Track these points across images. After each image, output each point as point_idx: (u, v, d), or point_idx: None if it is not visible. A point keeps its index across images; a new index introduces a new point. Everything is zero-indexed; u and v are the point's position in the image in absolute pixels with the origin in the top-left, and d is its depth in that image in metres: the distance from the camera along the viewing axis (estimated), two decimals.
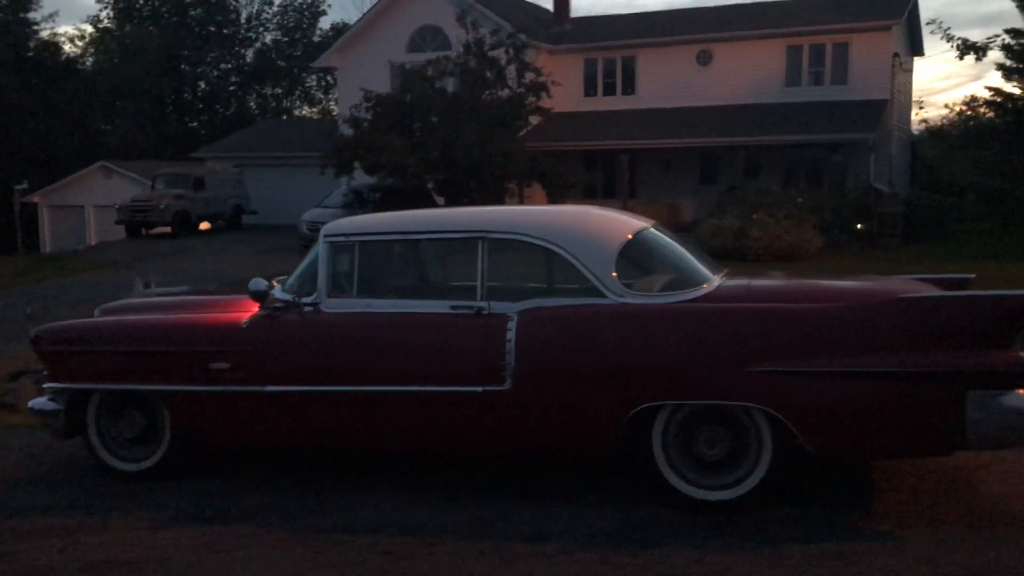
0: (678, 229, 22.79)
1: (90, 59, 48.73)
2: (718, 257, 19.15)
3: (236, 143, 34.20)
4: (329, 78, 45.38)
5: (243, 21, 52.76)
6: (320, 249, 5.37)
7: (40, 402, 5.70)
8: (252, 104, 55.34)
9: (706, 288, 4.97)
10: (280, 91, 55.31)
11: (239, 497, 5.22)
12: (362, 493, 5.19)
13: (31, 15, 43.53)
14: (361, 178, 24.37)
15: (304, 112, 54.74)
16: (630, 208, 25.90)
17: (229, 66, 52.57)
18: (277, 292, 5.40)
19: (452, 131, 21.44)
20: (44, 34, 44.21)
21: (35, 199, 35.16)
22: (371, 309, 5.19)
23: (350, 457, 5.66)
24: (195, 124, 50.49)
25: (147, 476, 5.55)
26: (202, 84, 51.50)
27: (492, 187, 22.71)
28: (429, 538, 4.53)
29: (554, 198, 25.30)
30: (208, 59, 50.87)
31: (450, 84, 23.65)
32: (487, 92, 22.67)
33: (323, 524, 4.76)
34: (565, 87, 26.62)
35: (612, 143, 25.68)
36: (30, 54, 41.12)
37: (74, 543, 4.62)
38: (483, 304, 4.99)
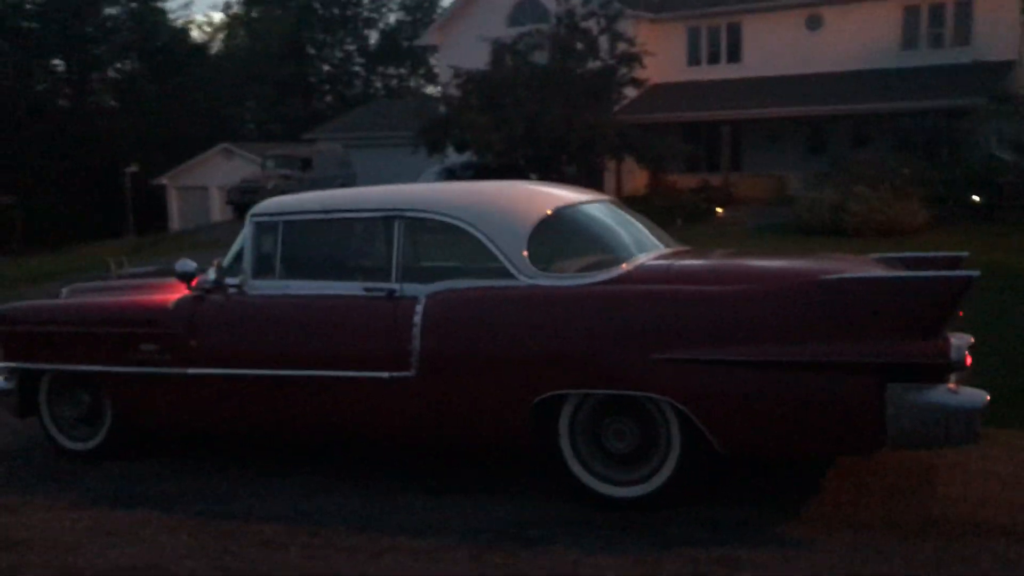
0: (782, 203, 22.00)
1: (219, 45, 50.65)
2: (815, 233, 18.53)
3: (346, 124, 34.88)
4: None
5: (367, 2, 53.76)
6: (246, 229, 5.27)
7: None
8: (378, 85, 56.47)
9: (624, 269, 4.60)
10: (404, 71, 56.18)
11: (161, 481, 5.20)
12: (280, 480, 5.08)
13: (165, 3, 45.69)
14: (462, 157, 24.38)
15: (429, 92, 55.49)
16: (732, 182, 25.11)
17: (353, 48, 53.70)
18: (210, 273, 5.33)
19: (538, 106, 21.12)
20: (178, 23, 46.19)
21: (164, 181, 36.91)
22: (289, 291, 5.06)
23: (297, 446, 5.56)
24: (319, 106, 51.84)
25: (93, 456, 5.61)
26: (326, 67, 52.75)
27: (582, 162, 22.30)
28: (313, 527, 4.38)
29: (652, 172, 24.72)
30: (332, 41, 52.09)
31: (543, 58, 23.28)
32: (577, 65, 22.19)
33: (221, 511, 4.67)
34: (667, 56, 25.89)
35: (715, 114, 24.84)
36: (160, 43, 42.98)
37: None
38: (395, 287, 4.78)
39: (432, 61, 42.93)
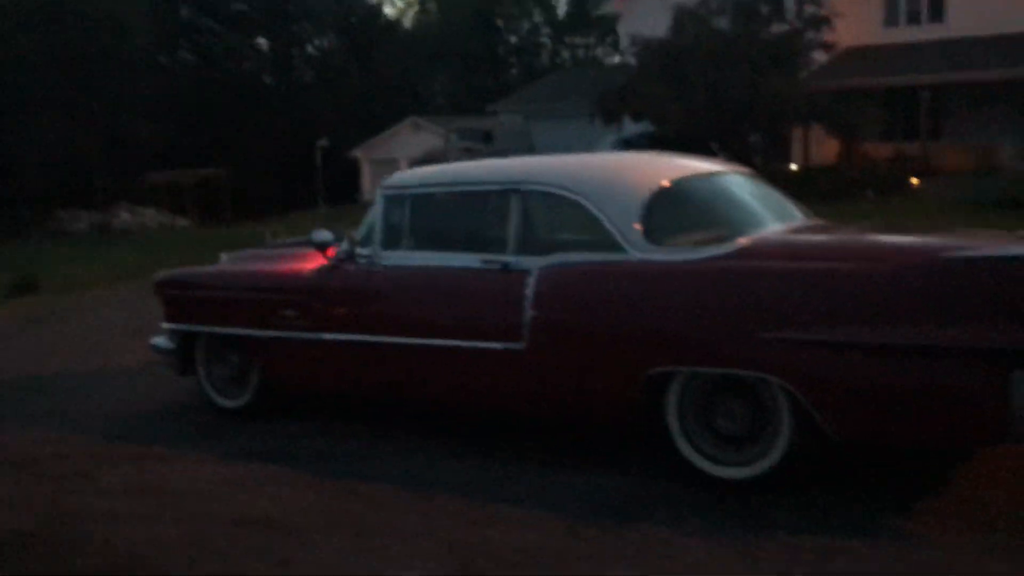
0: (991, 174, 20.44)
1: (410, 20, 52.15)
2: (1012, 207, 17.12)
3: (526, 95, 35.11)
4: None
5: None
6: (376, 202, 5.47)
7: (159, 340, 6.35)
8: (565, 55, 56.57)
9: (740, 244, 4.45)
10: (592, 40, 55.96)
11: (299, 439, 5.49)
12: (406, 446, 5.24)
13: None
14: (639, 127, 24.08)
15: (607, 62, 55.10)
16: (931, 151, 23.55)
17: (540, 19, 53.96)
18: (344, 244, 5.56)
19: (720, 74, 20.53)
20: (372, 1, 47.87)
21: (357, 154, 38.55)
22: (414, 262, 5.22)
23: (426, 414, 5.74)
24: (506, 78, 52.48)
25: (244, 413, 6.01)
26: (513, 38, 53.28)
27: (768, 131, 21.54)
28: (429, 493, 4.52)
29: (843, 141, 23.57)
30: (520, 12, 52.55)
31: (727, 24, 22.57)
32: (761, 29, 21.38)
33: (346, 471, 4.88)
34: (862, 18, 24.48)
35: (913, 78, 23.27)
36: (355, 19, 44.71)
37: (142, 472, 5.12)
38: (511, 259, 4.84)
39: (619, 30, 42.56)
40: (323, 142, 27.17)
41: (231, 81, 41.86)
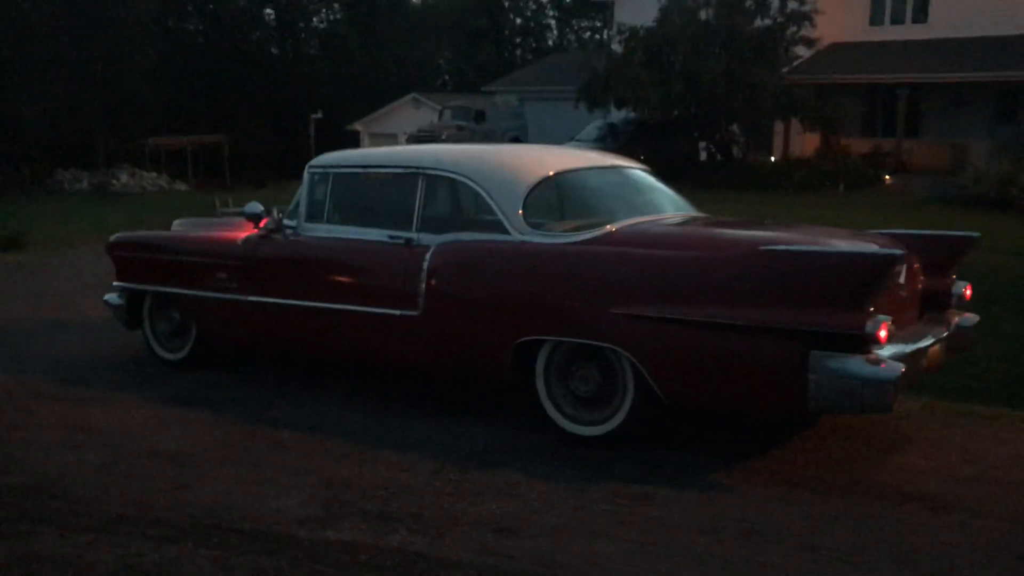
0: (962, 173, 20.91)
1: None
2: (979, 206, 17.63)
3: (522, 77, 35.60)
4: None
5: None
6: (304, 178, 6.05)
7: (111, 297, 6.94)
8: (571, 37, 56.83)
9: (606, 230, 5.04)
10: (599, 23, 56.19)
11: (225, 388, 6.10)
12: (309, 397, 5.86)
13: None
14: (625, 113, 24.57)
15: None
16: (906, 148, 24.04)
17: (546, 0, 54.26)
18: (274, 215, 6.15)
19: (699, 63, 21.03)
20: None
21: (358, 127, 39.03)
22: (331, 235, 5.81)
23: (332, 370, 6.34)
24: (510, 57, 52.82)
25: (183, 365, 6.62)
26: (518, 19, 53.57)
27: (745, 122, 22.05)
28: (318, 437, 5.13)
29: (823, 135, 24.07)
30: None
31: (711, 16, 23.03)
32: (744, 22, 21.85)
33: (253, 416, 5.50)
34: (849, 15, 24.95)
35: (893, 76, 23.77)
36: None
37: (79, 410, 5.71)
38: (413, 235, 5.43)
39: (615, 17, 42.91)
40: (317, 115, 27.69)
41: (237, 49, 42.31)
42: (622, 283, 4.68)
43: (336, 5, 44.42)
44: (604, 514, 4.12)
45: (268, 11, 44.20)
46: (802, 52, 23.71)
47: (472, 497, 4.31)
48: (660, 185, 6.04)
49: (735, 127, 22.88)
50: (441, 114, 30.31)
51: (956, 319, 5.35)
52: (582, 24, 56.24)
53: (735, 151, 24.10)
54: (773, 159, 24.41)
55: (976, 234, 5.48)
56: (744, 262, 4.45)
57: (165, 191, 31.85)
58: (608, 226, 5.09)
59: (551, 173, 5.40)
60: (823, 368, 4.19)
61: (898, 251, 4.17)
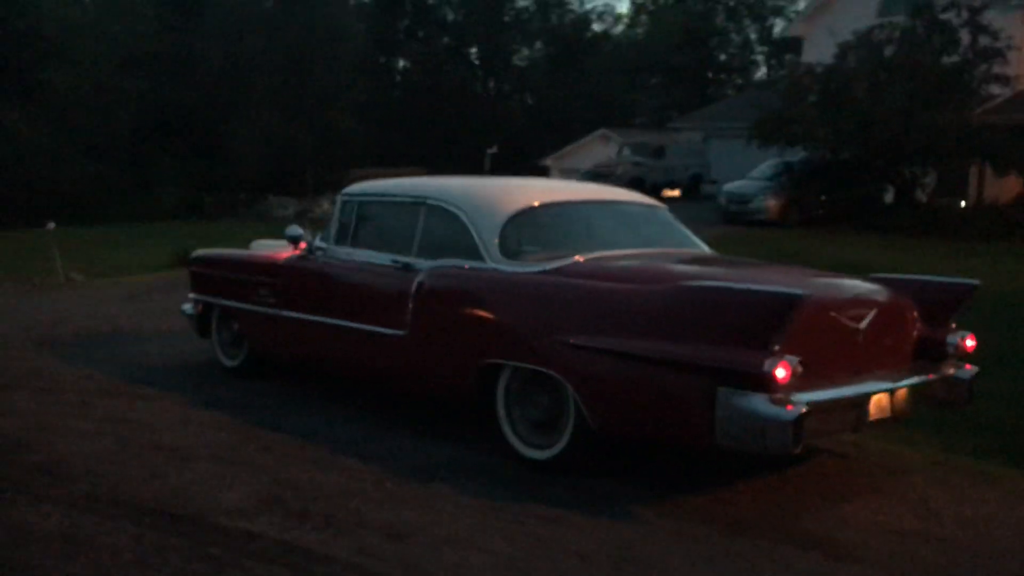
0: None
1: (619, 32, 53.10)
2: None
3: (709, 113, 35.20)
4: None
5: None
6: (335, 204, 6.57)
7: (187, 307, 7.73)
8: (782, 72, 55.59)
9: (572, 261, 5.20)
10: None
11: (259, 395, 6.68)
12: (321, 409, 6.33)
13: None
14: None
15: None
16: None
17: (754, 36, 53.45)
18: (313, 239, 6.69)
19: (874, 102, 20.18)
20: (584, 10, 49.24)
21: (548, 162, 39.94)
22: (352, 257, 6.27)
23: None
24: (714, 93, 52.33)
25: (239, 373, 7.27)
26: (722, 56, 53.06)
27: (926, 164, 20.94)
28: (295, 441, 5.58)
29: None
30: (733, 28, 52.31)
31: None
32: (929, 59, 20.74)
33: (264, 421, 6.03)
34: None
35: None
36: (563, 32, 46.18)
37: (126, 405, 6.44)
38: (411, 260, 5.80)
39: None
40: (492, 149, 28.71)
41: (440, 86, 44.47)
42: (567, 312, 4.84)
43: (538, 44, 45.72)
44: (500, 531, 4.28)
45: (472, 49, 46.17)
46: (997, 91, 22.19)
47: (392, 505, 4.59)
48: (668, 221, 6.10)
49: (918, 169, 21.69)
50: (620, 150, 30.54)
51: (952, 370, 5.12)
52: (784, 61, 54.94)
53: (919, 194, 22.83)
54: (963, 204, 22.94)
55: (976, 282, 5.20)
56: (665, 297, 4.50)
57: None
58: (577, 256, 5.24)
59: (535, 204, 5.63)
60: (728, 405, 4.18)
61: (799, 292, 4.10)
